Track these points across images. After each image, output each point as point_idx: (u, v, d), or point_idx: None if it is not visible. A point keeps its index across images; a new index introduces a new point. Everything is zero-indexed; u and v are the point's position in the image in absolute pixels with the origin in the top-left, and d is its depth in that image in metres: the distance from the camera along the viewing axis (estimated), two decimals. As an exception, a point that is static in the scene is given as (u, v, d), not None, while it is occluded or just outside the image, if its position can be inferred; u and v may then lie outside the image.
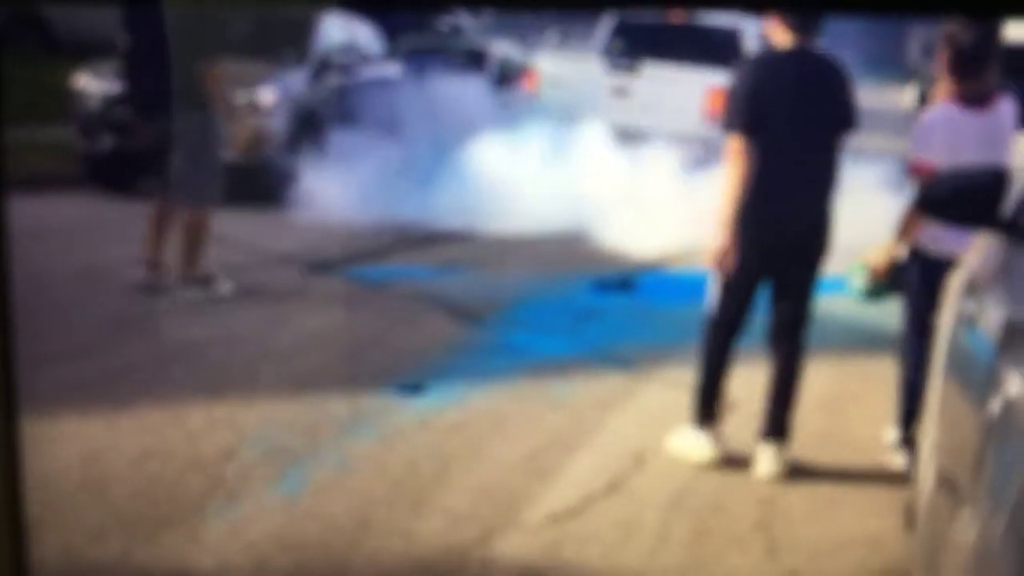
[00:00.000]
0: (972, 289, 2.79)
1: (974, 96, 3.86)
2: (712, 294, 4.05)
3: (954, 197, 2.94)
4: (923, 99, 6.18)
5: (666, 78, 9.95)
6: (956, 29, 3.81)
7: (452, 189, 8.13)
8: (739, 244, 3.89)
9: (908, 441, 3.83)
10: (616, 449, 4.18)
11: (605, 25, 10.62)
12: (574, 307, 6.25)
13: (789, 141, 3.89)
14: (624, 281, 6.72)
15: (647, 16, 10.40)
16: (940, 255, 3.72)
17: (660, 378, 4.97)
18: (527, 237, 7.69)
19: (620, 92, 10.08)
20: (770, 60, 4.09)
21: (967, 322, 2.64)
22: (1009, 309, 2.31)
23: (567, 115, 9.23)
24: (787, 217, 3.93)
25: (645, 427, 4.38)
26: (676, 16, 10.36)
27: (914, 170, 3.87)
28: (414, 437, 4.23)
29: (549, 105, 9.85)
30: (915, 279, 3.93)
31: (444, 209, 7.90)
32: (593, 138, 8.94)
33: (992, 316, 2.38)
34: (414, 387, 4.68)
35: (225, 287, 5.89)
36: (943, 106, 3.93)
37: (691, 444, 4.06)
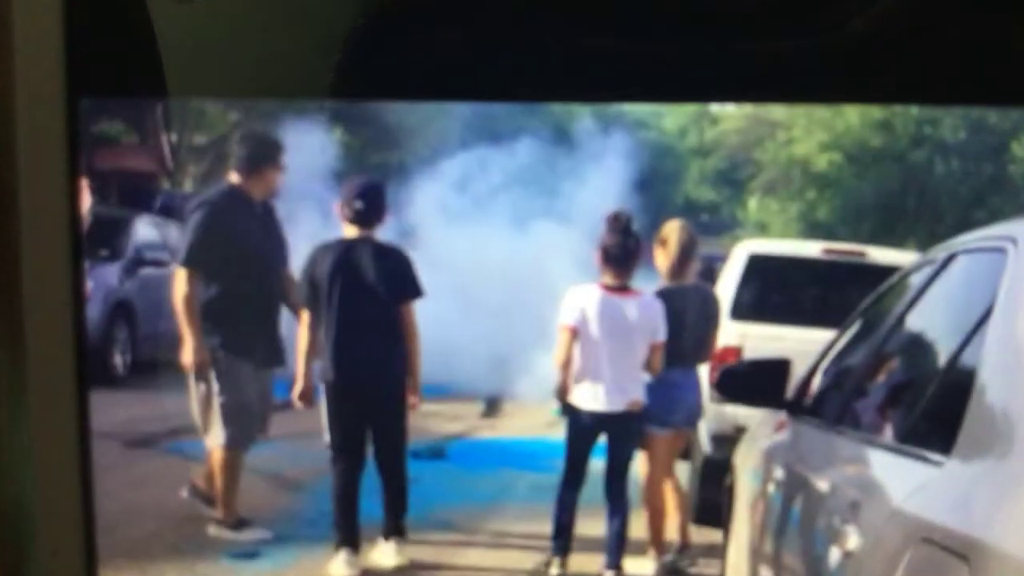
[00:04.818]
0: (770, 457, 3.32)
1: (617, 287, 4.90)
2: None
3: (748, 382, 3.46)
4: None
5: None
6: (608, 238, 4.87)
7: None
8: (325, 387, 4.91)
9: None
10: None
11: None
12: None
13: (351, 311, 4.84)
14: (435, 450, 7.10)
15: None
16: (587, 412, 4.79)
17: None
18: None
19: None
20: (333, 246, 4.93)
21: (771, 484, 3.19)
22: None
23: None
24: (358, 368, 4.90)
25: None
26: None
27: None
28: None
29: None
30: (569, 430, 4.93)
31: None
32: None
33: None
34: (249, 554, 4.86)
35: None
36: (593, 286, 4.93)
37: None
